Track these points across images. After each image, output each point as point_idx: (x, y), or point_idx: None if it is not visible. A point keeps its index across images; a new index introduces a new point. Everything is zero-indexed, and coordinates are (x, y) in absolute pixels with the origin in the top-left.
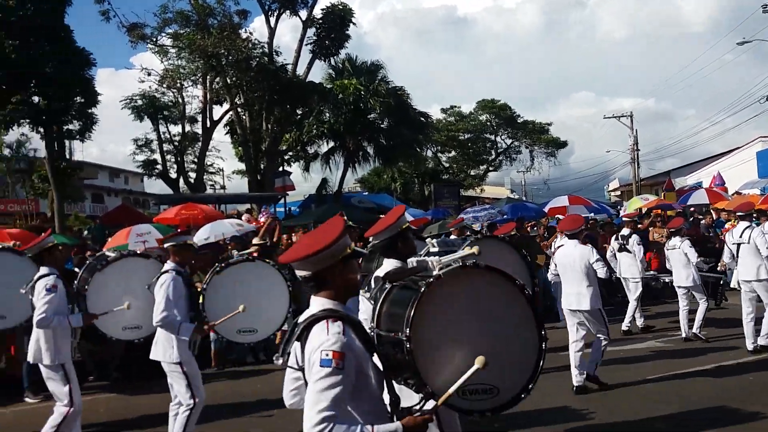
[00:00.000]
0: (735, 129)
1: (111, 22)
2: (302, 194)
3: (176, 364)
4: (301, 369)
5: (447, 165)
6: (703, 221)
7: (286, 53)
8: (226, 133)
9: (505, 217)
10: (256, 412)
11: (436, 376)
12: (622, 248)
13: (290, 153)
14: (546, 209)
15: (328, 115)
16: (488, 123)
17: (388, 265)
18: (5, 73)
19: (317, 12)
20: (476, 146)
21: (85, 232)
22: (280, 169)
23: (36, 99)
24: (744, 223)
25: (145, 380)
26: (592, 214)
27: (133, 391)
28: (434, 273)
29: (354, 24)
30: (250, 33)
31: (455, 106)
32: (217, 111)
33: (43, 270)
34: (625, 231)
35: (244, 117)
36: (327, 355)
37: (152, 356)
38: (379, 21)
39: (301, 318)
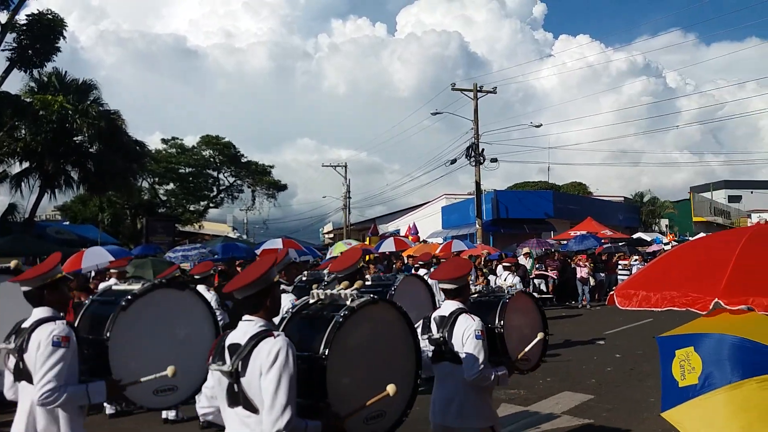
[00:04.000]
0: (429, 185)
1: None
2: None
3: None
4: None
5: (164, 198)
6: (395, 266)
7: None
8: None
9: (216, 256)
10: None
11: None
12: None
13: None
14: (258, 250)
15: (24, 132)
16: (211, 159)
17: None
18: None
19: (21, 17)
20: (198, 181)
21: None
22: None
23: None
24: (423, 270)
25: None
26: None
27: None
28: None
29: (65, 38)
30: None
31: (177, 138)
32: None
33: None
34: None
35: None
36: (478, 331)
37: None
38: (100, 38)
39: (441, 313)
